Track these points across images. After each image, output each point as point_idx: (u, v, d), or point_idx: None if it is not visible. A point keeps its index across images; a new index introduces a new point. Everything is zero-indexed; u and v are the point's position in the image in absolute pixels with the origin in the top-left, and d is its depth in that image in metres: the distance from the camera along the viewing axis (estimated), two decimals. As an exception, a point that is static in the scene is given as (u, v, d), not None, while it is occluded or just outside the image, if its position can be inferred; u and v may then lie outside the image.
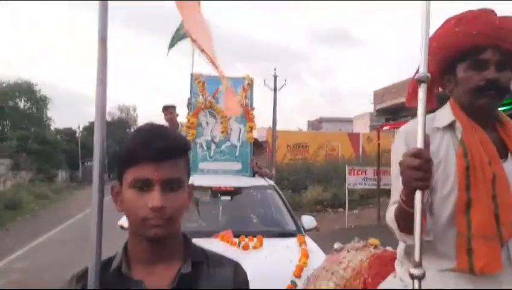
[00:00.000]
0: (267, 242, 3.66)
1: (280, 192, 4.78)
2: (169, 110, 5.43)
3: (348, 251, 2.07)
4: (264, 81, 22.10)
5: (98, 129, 1.01)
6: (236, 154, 4.96)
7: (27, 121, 33.48)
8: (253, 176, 4.99)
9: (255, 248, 3.52)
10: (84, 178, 43.35)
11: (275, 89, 22.53)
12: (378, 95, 18.09)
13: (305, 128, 41.29)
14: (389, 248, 2.05)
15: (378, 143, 12.36)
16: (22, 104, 34.30)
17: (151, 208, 0.96)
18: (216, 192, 4.42)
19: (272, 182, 4.90)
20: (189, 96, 4.98)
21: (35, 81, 34.44)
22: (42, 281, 6.37)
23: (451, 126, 1.43)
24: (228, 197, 4.46)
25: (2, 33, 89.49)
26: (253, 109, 5.08)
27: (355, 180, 12.02)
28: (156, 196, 0.96)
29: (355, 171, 12.00)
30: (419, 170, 1.12)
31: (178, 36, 5.53)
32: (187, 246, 1.09)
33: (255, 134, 5.14)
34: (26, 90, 33.95)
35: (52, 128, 39.29)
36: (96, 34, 1.02)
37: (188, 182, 1.07)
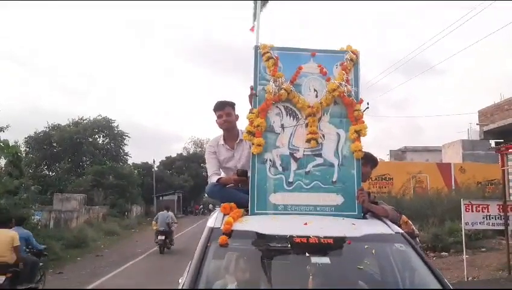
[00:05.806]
0: None
1: (416, 247, 2.61)
2: (225, 110, 3.30)
3: None
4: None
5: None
6: (334, 178, 2.83)
7: (104, 157, 33.90)
8: (364, 216, 2.86)
9: None
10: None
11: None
12: (486, 115, 15.10)
13: (386, 159, 37.99)
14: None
15: (503, 170, 9.55)
16: (100, 139, 35.04)
17: None
18: (301, 247, 2.35)
19: (399, 229, 2.72)
20: (252, 82, 2.97)
21: (113, 118, 35.19)
22: None
23: None
24: (324, 258, 2.36)
25: (84, 72, 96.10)
26: (360, 101, 2.99)
27: (474, 219, 9.27)
28: None
29: (474, 207, 9.24)
30: None
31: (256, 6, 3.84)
32: None
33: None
34: (105, 126, 34.73)
35: (130, 162, 39.72)
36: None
37: None
